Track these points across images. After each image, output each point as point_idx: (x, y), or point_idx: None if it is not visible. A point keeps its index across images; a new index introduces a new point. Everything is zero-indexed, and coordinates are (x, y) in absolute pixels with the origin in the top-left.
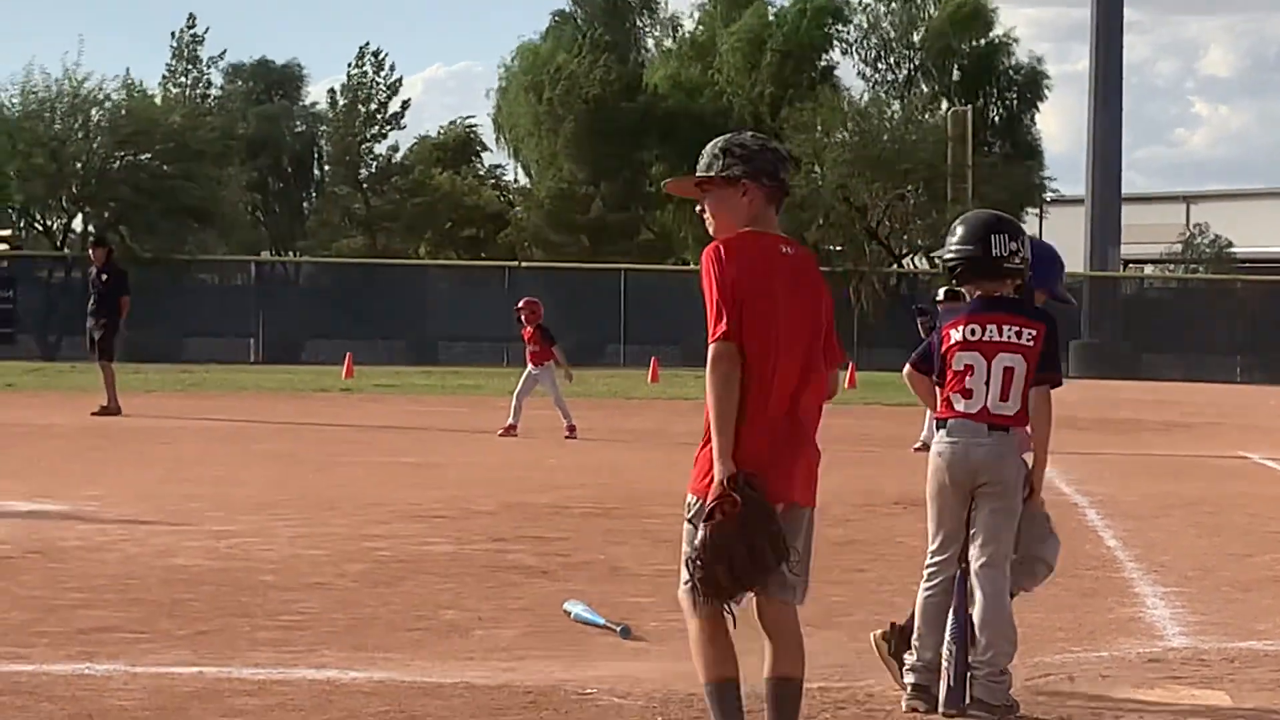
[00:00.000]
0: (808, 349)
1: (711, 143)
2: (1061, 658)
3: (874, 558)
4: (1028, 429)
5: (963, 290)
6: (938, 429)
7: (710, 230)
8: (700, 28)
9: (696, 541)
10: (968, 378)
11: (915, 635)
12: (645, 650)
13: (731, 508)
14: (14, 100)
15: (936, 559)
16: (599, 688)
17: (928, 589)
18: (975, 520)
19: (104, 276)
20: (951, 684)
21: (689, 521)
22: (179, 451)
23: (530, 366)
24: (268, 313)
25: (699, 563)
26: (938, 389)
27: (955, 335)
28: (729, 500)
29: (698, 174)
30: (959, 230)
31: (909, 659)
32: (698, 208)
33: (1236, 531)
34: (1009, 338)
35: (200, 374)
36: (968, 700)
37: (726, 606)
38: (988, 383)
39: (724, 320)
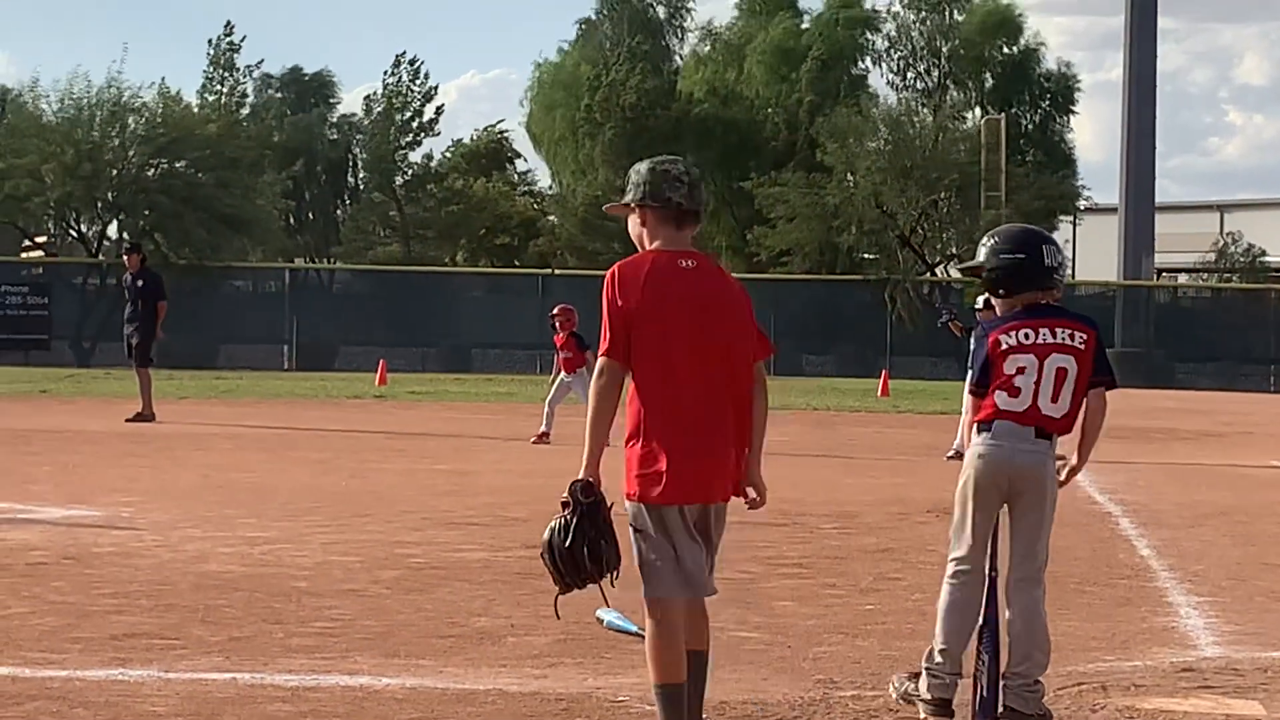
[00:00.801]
0: (723, 354)
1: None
2: (1095, 666)
3: (906, 566)
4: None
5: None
6: (980, 430)
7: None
8: (737, 32)
9: (544, 535)
10: (1017, 378)
11: (938, 641)
12: None
13: (568, 510)
14: (54, 106)
15: (962, 563)
16: (631, 695)
17: (952, 594)
18: (1012, 529)
19: (139, 283)
20: (985, 693)
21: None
22: (212, 458)
23: (563, 373)
24: (301, 319)
25: (543, 555)
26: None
27: (1007, 341)
28: (568, 504)
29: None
30: (999, 241)
31: (928, 667)
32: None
33: (1270, 541)
34: (1063, 339)
35: (234, 380)
36: (1000, 710)
37: (600, 588)
38: (1038, 383)
39: (606, 340)
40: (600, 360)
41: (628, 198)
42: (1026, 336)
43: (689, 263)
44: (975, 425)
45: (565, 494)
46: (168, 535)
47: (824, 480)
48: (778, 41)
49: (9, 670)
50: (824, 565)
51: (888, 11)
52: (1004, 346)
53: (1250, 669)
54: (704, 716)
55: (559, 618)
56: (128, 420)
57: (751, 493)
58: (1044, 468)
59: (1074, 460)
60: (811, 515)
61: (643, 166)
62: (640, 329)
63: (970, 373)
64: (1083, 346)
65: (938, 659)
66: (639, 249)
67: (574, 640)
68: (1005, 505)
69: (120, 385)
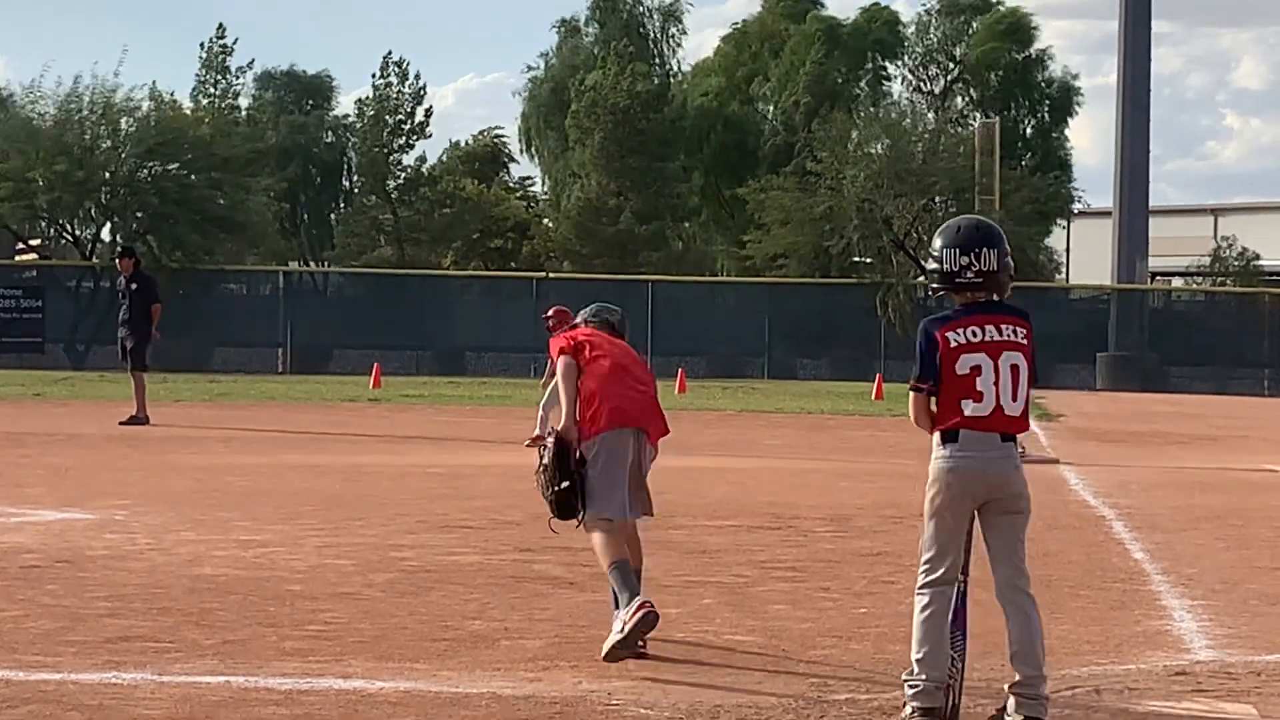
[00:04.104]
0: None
1: None
2: (1088, 670)
3: (900, 570)
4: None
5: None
6: (944, 442)
7: None
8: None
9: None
10: (977, 379)
11: (918, 655)
12: (672, 662)
13: (546, 452)
14: (47, 109)
15: (935, 575)
16: (625, 698)
17: (930, 607)
18: (992, 538)
19: (133, 285)
20: (955, 699)
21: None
22: (206, 461)
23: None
24: (296, 323)
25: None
26: (934, 401)
27: (956, 338)
28: (544, 446)
29: None
30: (940, 238)
31: (908, 679)
32: None
33: (1264, 544)
34: (1008, 336)
35: (228, 384)
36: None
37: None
38: (997, 384)
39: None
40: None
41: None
42: (975, 334)
43: None
44: (940, 435)
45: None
46: (161, 538)
47: (818, 484)
48: (799, 41)
49: (2, 673)
50: (818, 569)
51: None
52: (953, 344)
53: (1244, 672)
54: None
55: (555, 533)
56: (122, 423)
57: None
58: (1017, 473)
59: None
60: (805, 519)
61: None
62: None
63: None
64: (1025, 341)
65: (918, 671)
66: None
67: (568, 643)
68: (976, 513)
69: (114, 388)
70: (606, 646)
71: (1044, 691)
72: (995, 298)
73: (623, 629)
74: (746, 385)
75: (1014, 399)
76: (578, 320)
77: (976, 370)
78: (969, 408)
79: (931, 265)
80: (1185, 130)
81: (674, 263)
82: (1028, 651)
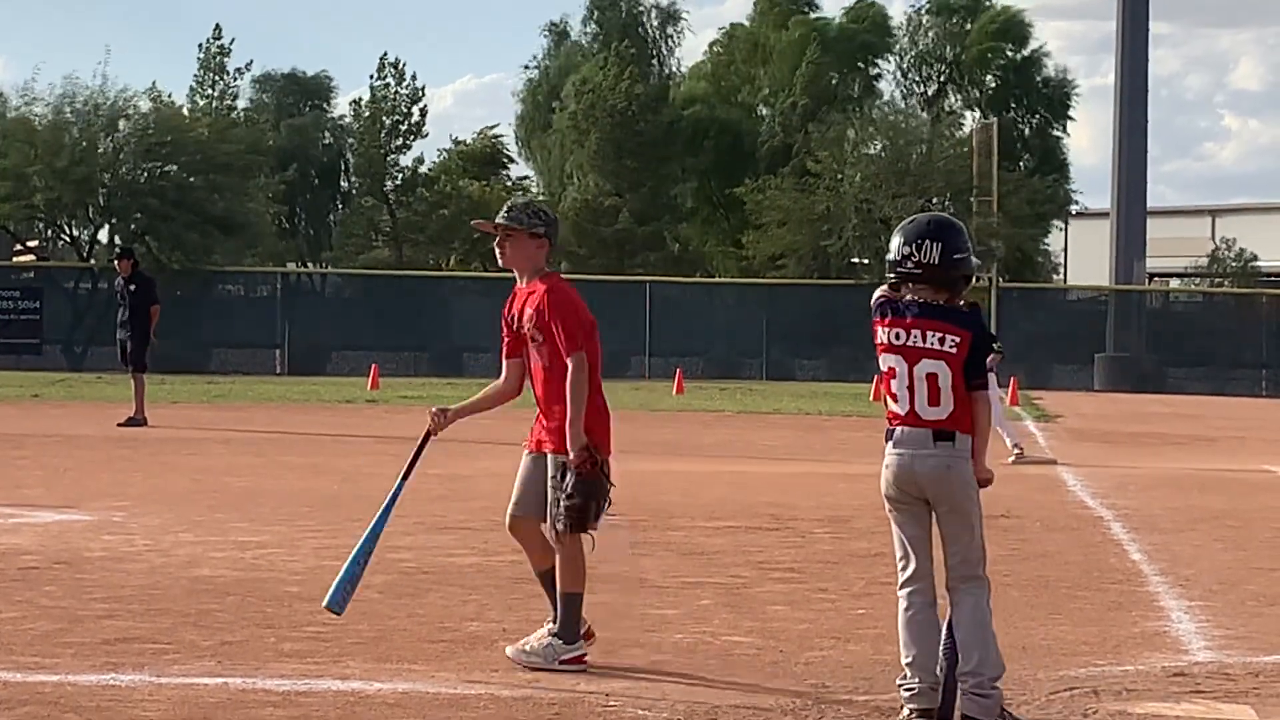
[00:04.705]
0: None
1: (517, 200)
2: (1086, 671)
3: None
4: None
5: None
6: (886, 438)
7: (503, 261)
8: (749, 30)
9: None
10: (892, 380)
11: (908, 659)
12: (670, 663)
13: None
14: (44, 110)
15: (903, 576)
16: (623, 699)
17: (907, 611)
18: (940, 534)
19: (132, 287)
20: (942, 699)
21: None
22: (204, 462)
23: None
24: (294, 324)
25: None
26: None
27: (881, 336)
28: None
29: (513, 223)
30: (898, 234)
31: (901, 683)
32: (495, 242)
33: (1262, 545)
34: (932, 344)
35: (226, 385)
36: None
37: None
38: (911, 388)
39: (578, 341)
40: (581, 357)
41: (538, 230)
42: (897, 337)
43: None
44: (886, 431)
45: (591, 460)
46: (159, 539)
47: (816, 485)
48: (792, 43)
49: (0, 675)
50: (816, 570)
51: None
52: (878, 340)
53: (1242, 673)
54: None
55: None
56: (120, 424)
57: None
58: (947, 471)
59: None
60: (804, 520)
61: (546, 208)
62: (592, 335)
63: None
64: (954, 350)
65: (908, 675)
66: (504, 263)
67: None
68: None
69: (113, 390)
70: (526, 645)
71: (992, 688)
72: (944, 295)
73: (552, 661)
74: (744, 386)
75: (931, 404)
76: None
77: (892, 372)
78: (891, 404)
79: (888, 256)
80: (1183, 131)
81: (671, 263)
82: (973, 646)
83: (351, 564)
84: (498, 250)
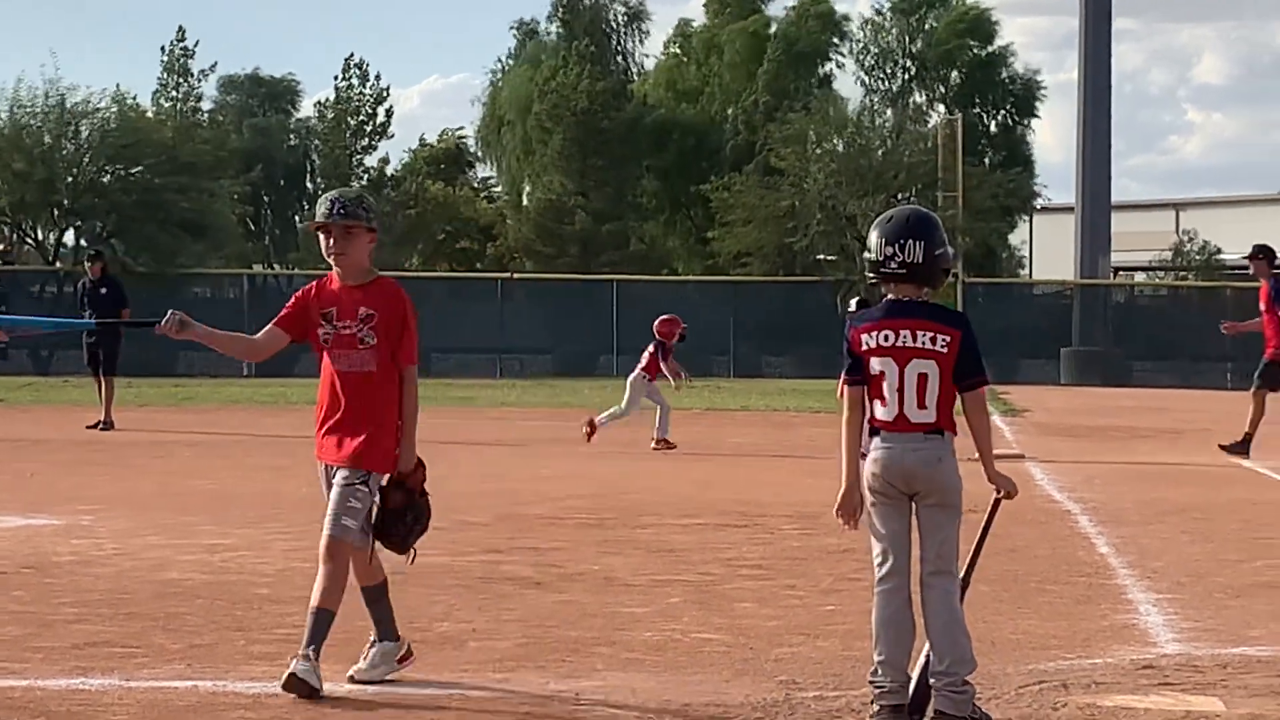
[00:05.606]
0: None
1: (348, 193)
2: (1055, 664)
3: (866, 566)
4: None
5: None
6: (872, 435)
7: (338, 260)
8: (704, 33)
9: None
10: (883, 383)
11: (880, 656)
12: (640, 661)
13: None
14: (2, 112)
15: (880, 572)
16: (593, 698)
17: (884, 607)
18: (918, 527)
19: (102, 290)
20: (915, 694)
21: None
22: (172, 465)
23: (647, 377)
24: (260, 325)
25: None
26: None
27: (869, 341)
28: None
29: (355, 219)
30: (875, 229)
31: (872, 680)
32: (331, 241)
33: (1229, 537)
34: (923, 344)
35: (193, 387)
36: (931, 715)
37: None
38: (901, 390)
39: (416, 351)
40: (414, 369)
41: (372, 222)
42: (886, 339)
43: None
44: (868, 429)
45: (408, 484)
46: (128, 543)
47: (784, 481)
48: (743, 42)
49: None
50: (785, 566)
51: (859, 14)
52: (864, 347)
53: (1210, 665)
54: None
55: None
56: (88, 428)
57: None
58: (937, 464)
59: (984, 471)
60: (772, 516)
61: (373, 200)
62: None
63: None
64: (944, 349)
65: (880, 672)
66: (338, 262)
67: (536, 644)
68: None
69: (80, 393)
70: (367, 663)
71: (964, 685)
72: (926, 290)
73: (392, 664)
74: (712, 383)
75: (920, 406)
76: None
77: (882, 375)
78: (878, 409)
79: (865, 255)
80: (1147, 125)
81: (637, 262)
82: (945, 643)
83: (43, 324)
84: (333, 248)
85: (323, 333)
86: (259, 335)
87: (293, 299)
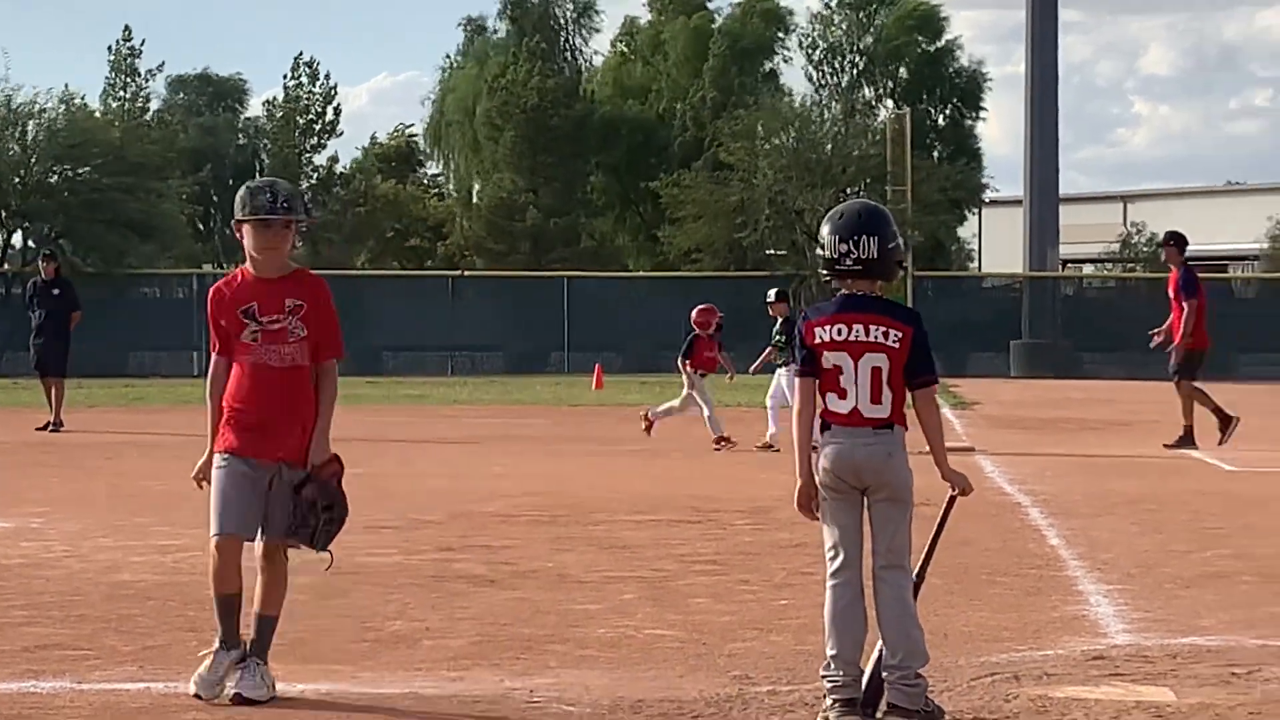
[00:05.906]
0: None
1: (283, 185)
2: (1007, 656)
3: (819, 561)
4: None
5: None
6: (823, 430)
7: (269, 255)
8: (650, 30)
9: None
10: (839, 377)
11: (832, 651)
12: (593, 658)
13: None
14: None
15: (832, 566)
16: (548, 695)
17: (836, 601)
18: (870, 521)
19: (55, 291)
20: (869, 687)
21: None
22: (123, 466)
23: (701, 372)
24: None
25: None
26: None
27: (822, 335)
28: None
29: (298, 213)
30: (826, 224)
31: (825, 675)
32: (268, 236)
33: (1178, 528)
34: (876, 338)
35: (143, 388)
36: (885, 709)
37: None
38: (856, 383)
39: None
40: (335, 362)
41: (299, 215)
42: (840, 333)
43: None
44: (820, 423)
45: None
46: (78, 545)
47: (737, 476)
48: (687, 39)
49: None
50: (738, 561)
51: (806, 8)
52: (818, 340)
53: (1160, 655)
54: None
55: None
56: (38, 429)
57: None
58: (887, 459)
59: (938, 469)
60: (725, 511)
61: (300, 190)
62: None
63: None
64: (897, 345)
65: (833, 667)
66: (264, 257)
67: (490, 642)
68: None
69: (28, 395)
70: (248, 681)
71: (916, 679)
72: (880, 284)
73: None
74: (664, 380)
75: (873, 400)
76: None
77: (838, 369)
78: (832, 402)
79: (819, 251)
80: (1095, 118)
81: (587, 258)
82: (897, 636)
83: None
84: (268, 243)
85: (248, 331)
86: (223, 375)
87: (210, 324)
